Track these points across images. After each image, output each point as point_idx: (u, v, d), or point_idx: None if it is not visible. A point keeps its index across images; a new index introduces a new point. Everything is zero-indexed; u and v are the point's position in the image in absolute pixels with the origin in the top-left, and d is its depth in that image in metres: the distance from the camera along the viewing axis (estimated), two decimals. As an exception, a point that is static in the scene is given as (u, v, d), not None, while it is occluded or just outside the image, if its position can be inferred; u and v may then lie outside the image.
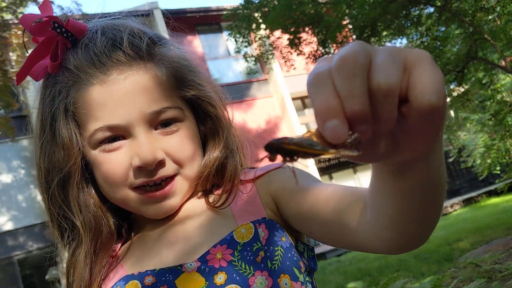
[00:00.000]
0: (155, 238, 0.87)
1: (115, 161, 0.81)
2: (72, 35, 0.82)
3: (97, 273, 0.84)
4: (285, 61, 11.24)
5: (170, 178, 0.83)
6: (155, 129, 0.82)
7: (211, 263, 0.77)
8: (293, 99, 17.00)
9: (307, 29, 10.05)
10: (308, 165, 15.55)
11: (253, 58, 11.74)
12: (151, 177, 0.81)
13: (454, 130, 13.67)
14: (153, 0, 15.96)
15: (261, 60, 12.52)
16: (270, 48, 11.47)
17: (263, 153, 0.44)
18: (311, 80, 0.42)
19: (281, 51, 11.19)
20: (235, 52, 11.70)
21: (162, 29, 15.14)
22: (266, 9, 9.77)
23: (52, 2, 9.41)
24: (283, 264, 0.79)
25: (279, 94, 16.74)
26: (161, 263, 0.81)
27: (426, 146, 0.47)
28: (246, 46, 11.22)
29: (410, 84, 0.40)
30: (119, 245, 0.90)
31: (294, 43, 10.34)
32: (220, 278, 0.76)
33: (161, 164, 0.81)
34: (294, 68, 11.38)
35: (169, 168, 0.82)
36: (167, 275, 0.78)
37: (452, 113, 16.84)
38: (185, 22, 16.62)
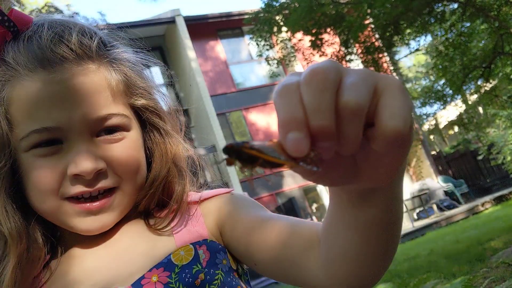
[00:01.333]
0: (85, 260, 0.78)
1: (48, 167, 0.71)
2: (14, 25, 0.74)
3: None
4: (308, 63, 11.20)
5: (109, 191, 0.75)
6: (97, 136, 0.75)
7: (146, 287, 0.70)
8: (317, 100, 16.92)
9: (328, 30, 10.01)
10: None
11: (275, 61, 11.74)
12: (88, 188, 0.72)
13: (483, 127, 13.37)
14: (175, 7, 16.10)
15: (284, 62, 12.52)
16: (292, 51, 11.45)
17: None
18: (278, 90, 0.40)
19: (303, 53, 11.16)
20: (257, 55, 11.73)
21: (184, 36, 15.30)
22: (287, 12, 9.77)
23: (77, 13, 9.63)
24: (222, 287, 0.74)
25: (303, 96, 16.67)
26: (91, 286, 0.73)
27: (387, 176, 0.46)
28: (268, 50, 11.23)
29: (378, 108, 0.39)
30: (41, 266, 0.77)
31: (316, 45, 10.30)
32: None
33: (100, 174, 0.73)
34: (317, 70, 11.31)
35: (109, 179, 0.74)
36: None
37: (480, 109, 16.48)
38: (207, 28, 16.77)
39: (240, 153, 0.40)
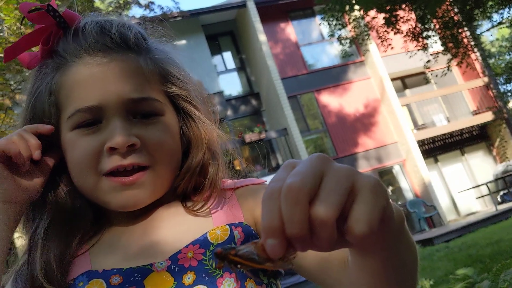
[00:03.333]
0: (125, 235, 0.84)
1: (88, 145, 0.79)
2: (64, 21, 0.84)
3: (63, 250, 0.80)
4: (382, 41, 10.87)
5: (142, 169, 0.80)
6: (134, 118, 0.81)
7: (181, 262, 0.76)
8: (392, 79, 16.42)
9: (404, 6, 9.62)
10: (411, 149, 14.91)
11: (348, 41, 11.49)
12: (122, 162, 0.78)
13: None
14: (245, -9, 16.19)
15: (357, 42, 12.23)
16: (366, 29, 11.15)
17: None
18: (265, 194, 0.45)
19: (377, 31, 10.84)
20: (329, 36, 11.54)
21: (255, 19, 15.35)
22: (360, -11, 9.50)
23: (153, 3, 9.97)
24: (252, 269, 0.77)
25: (377, 75, 16.26)
26: (130, 261, 0.78)
27: (371, 248, 0.51)
28: (340, 29, 11.01)
29: (350, 210, 0.43)
30: (84, 238, 0.84)
31: (391, 22, 9.95)
32: (188, 278, 0.75)
33: (133, 149, 0.78)
34: (392, 48, 10.96)
35: (142, 157, 0.79)
36: (136, 274, 0.76)
37: None
38: (278, 9, 16.71)
39: (226, 259, 0.48)
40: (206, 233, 0.79)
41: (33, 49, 0.89)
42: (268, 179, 0.87)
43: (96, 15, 0.89)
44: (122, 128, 0.78)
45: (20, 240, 0.89)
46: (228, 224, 0.81)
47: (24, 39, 0.86)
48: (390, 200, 0.46)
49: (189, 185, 0.87)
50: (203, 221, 0.83)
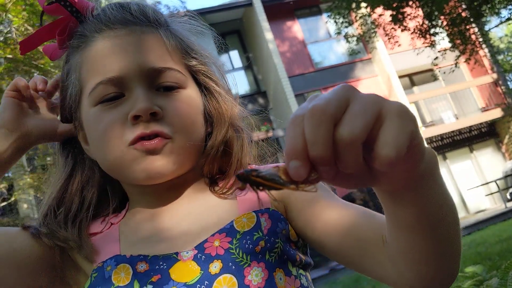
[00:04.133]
0: (151, 219, 0.84)
1: (113, 117, 0.79)
2: (77, 11, 0.85)
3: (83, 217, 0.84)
4: (389, 38, 10.82)
5: (165, 138, 0.79)
6: (156, 91, 0.81)
7: (208, 251, 0.75)
8: (400, 77, 16.34)
9: (411, 3, 9.58)
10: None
11: (355, 38, 11.45)
12: (144, 130, 0.77)
13: None
14: (252, -11, 16.19)
15: (364, 39, 12.19)
16: (373, 26, 11.11)
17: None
18: (290, 120, 0.45)
19: (384, 28, 10.80)
20: (336, 33, 11.51)
21: (262, 18, 15.34)
22: (366, -14, 9.47)
23: (159, 2, 10.00)
24: (280, 257, 0.76)
25: (384, 73, 16.19)
26: (155, 248, 0.78)
27: (400, 183, 0.50)
28: (346, 27, 10.98)
29: (377, 135, 0.42)
30: (117, 216, 0.88)
31: (398, 19, 9.91)
32: (215, 266, 0.73)
33: (156, 117, 0.78)
34: (399, 45, 10.92)
35: (163, 126, 0.79)
36: (161, 263, 0.75)
37: None
38: (284, 7, 16.68)
39: (248, 180, 0.48)
40: (232, 221, 0.78)
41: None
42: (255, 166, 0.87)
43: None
44: (145, 96, 0.78)
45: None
46: (254, 211, 0.79)
47: (39, 32, 0.87)
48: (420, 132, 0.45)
49: (214, 165, 0.86)
50: (229, 206, 0.82)
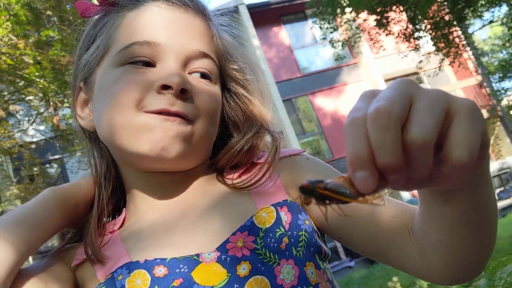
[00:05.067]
0: (160, 218, 0.77)
1: (137, 79, 0.73)
2: None
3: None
4: (374, 43, 10.90)
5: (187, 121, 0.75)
6: (189, 73, 0.78)
7: (232, 252, 0.68)
8: (386, 80, 16.45)
9: (394, 7, 9.66)
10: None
11: (340, 43, 11.52)
12: (169, 106, 0.72)
13: None
14: (237, -4, 16.23)
15: (349, 44, 12.27)
16: (357, 31, 11.19)
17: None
18: (347, 123, 0.41)
19: (368, 32, 10.87)
20: (321, 39, 11.57)
21: (248, 24, 15.38)
22: (350, -8, 9.53)
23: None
24: (308, 250, 0.72)
25: (370, 77, 16.30)
26: (172, 251, 0.71)
27: (462, 182, 0.47)
28: (332, 32, 11.04)
29: (447, 135, 0.39)
30: (115, 221, 0.81)
31: (382, 23, 9.99)
32: (243, 268, 0.67)
33: (184, 95, 0.73)
34: (384, 49, 11.01)
35: (188, 109, 0.74)
36: (182, 266, 0.68)
37: None
38: (270, 14, 16.74)
39: (314, 193, 0.43)
40: (252, 217, 0.72)
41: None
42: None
43: None
44: (178, 71, 0.74)
45: None
46: (272, 205, 0.74)
47: None
48: None
49: (233, 160, 0.81)
50: (245, 200, 0.76)
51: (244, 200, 0.76)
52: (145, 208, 0.80)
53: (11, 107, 9.35)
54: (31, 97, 8.98)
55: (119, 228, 0.80)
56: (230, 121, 0.87)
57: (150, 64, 0.75)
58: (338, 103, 16.15)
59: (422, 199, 0.58)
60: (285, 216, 0.73)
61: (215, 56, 0.82)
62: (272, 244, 0.70)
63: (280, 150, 0.82)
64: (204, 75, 0.79)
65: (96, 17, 0.84)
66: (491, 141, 16.72)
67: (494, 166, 15.65)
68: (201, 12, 0.82)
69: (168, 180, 0.79)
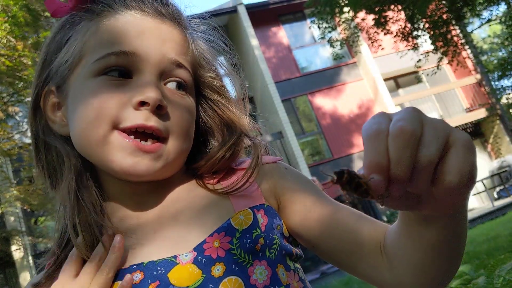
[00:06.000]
0: (139, 226, 0.77)
1: (113, 94, 0.72)
2: None
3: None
4: (372, 42, 10.91)
5: (158, 140, 0.74)
6: (165, 84, 0.78)
7: (208, 253, 0.70)
8: (385, 79, 16.47)
9: (392, 6, 9.67)
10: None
11: (339, 43, 11.53)
12: (145, 122, 0.72)
13: None
14: (236, -4, 16.23)
15: (348, 43, 12.28)
16: (356, 31, 11.19)
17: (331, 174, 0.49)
18: (369, 131, 0.48)
19: (367, 32, 10.88)
20: (320, 38, 11.58)
21: (247, 25, 15.39)
22: (348, -9, 9.53)
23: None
24: (279, 253, 0.75)
25: (369, 76, 16.31)
26: (150, 254, 0.72)
27: (448, 209, 0.54)
28: (330, 31, 11.05)
29: (443, 160, 0.47)
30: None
31: (380, 23, 9.99)
32: (218, 269, 0.69)
33: (160, 112, 0.73)
34: (382, 49, 11.01)
35: (164, 124, 0.74)
36: (159, 268, 0.69)
37: None
38: (269, 14, 16.74)
39: (352, 181, 0.48)
40: (229, 219, 0.74)
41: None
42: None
43: None
44: (156, 85, 0.74)
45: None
46: (250, 208, 0.76)
47: None
48: None
49: (214, 167, 0.82)
50: (223, 204, 0.78)
51: (222, 203, 0.78)
52: (121, 215, 0.79)
53: (10, 109, 9.36)
54: (30, 99, 8.97)
55: None
56: (206, 127, 0.87)
57: (126, 74, 0.75)
58: (337, 103, 16.15)
59: (403, 221, 0.63)
60: (262, 219, 0.76)
61: (190, 65, 0.82)
62: (247, 245, 0.72)
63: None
64: (179, 85, 0.79)
65: (67, 18, 0.81)
66: (491, 140, 16.73)
67: (494, 165, 15.66)
68: (177, 21, 0.82)
69: (144, 188, 0.79)
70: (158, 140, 0.74)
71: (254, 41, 15.41)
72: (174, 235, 0.75)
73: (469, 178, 0.47)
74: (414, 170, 0.46)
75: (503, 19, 10.80)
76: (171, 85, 0.78)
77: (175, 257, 0.70)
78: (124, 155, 0.72)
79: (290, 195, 0.82)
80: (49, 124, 0.82)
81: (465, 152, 0.47)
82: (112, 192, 0.80)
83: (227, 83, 0.91)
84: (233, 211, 0.76)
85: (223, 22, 16.70)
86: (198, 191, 0.81)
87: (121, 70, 0.74)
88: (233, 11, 15.97)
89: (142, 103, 0.72)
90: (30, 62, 7.67)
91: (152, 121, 0.72)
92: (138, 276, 0.69)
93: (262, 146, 0.85)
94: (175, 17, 0.81)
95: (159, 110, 0.73)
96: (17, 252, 12.33)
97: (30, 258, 12.44)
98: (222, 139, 0.85)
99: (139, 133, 0.73)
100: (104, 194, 0.80)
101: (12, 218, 12.35)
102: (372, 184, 0.47)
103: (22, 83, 8.16)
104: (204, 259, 0.70)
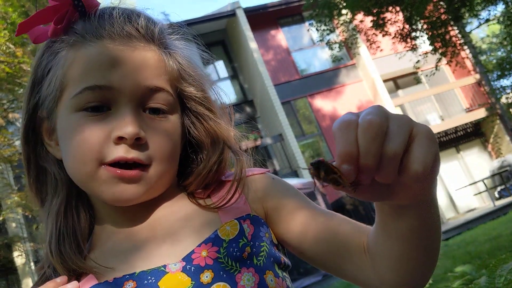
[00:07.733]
0: (128, 235, 0.81)
1: (94, 130, 0.75)
2: (82, 5, 0.79)
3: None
4: (370, 44, 10.93)
5: (142, 167, 0.77)
6: (143, 111, 0.79)
7: (197, 262, 0.74)
8: (384, 81, 16.48)
9: (390, 8, 9.69)
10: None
11: (337, 45, 11.55)
12: (125, 154, 0.75)
13: None
14: (234, 0, 16.26)
15: (346, 45, 12.30)
16: (354, 33, 11.22)
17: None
18: (340, 124, 0.52)
19: (365, 33, 10.90)
20: (319, 40, 11.61)
21: (245, 28, 15.41)
22: (346, -7, 9.56)
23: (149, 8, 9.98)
24: (268, 260, 0.78)
25: (368, 77, 16.32)
26: (141, 265, 0.75)
27: (416, 196, 0.58)
28: (328, 34, 11.07)
29: (408, 151, 0.51)
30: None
31: (379, 24, 10.02)
32: (206, 276, 0.72)
33: (139, 143, 0.76)
34: (381, 50, 11.04)
35: (144, 154, 0.77)
36: (149, 277, 0.73)
37: None
38: (268, 17, 16.77)
39: (328, 169, 0.52)
40: (216, 230, 0.77)
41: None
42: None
43: (120, 4, 0.86)
44: (133, 118, 0.76)
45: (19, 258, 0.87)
46: (236, 219, 0.79)
47: (38, 14, 0.81)
48: None
49: (202, 183, 0.85)
50: (211, 217, 0.81)
51: (210, 216, 0.82)
52: (113, 229, 0.83)
53: (11, 115, 9.37)
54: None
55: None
56: (195, 140, 0.88)
57: (106, 106, 0.77)
58: (337, 104, 16.17)
59: (379, 215, 0.67)
60: (248, 228, 0.79)
61: (170, 83, 0.82)
62: (234, 253, 0.75)
63: (246, 170, 0.86)
64: (160, 110, 0.80)
65: (47, 43, 0.83)
66: (491, 140, 16.73)
67: (494, 164, 15.66)
68: (151, 41, 0.81)
69: (135, 205, 0.81)
70: (140, 167, 0.77)
71: (253, 44, 15.44)
72: (163, 246, 0.78)
73: (433, 166, 0.52)
74: (382, 161, 0.50)
75: (501, 19, 10.82)
76: (151, 111, 0.80)
77: (164, 266, 0.74)
78: (109, 186, 0.76)
79: (277, 203, 0.85)
80: (46, 147, 0.85)
81: (427, 142, 0.51)
82: (103, 211, 0.84)
83: (213, 94, 0.91)
84: (220, 222, 0.80)
85: (222, 26, 16.73)
86: (188, 205, 0.85)
87: (98, 105, 0.76)
88: (231, 14, 16.00)
89: (121, 138, 0.75)
90: (29, 69, 7.68)
91: (132, 153, 0.75)
92: (130, 285, 0.73)
93: (245, 158, 0.87)
94: (148, 37, 0.81)
95: (138, 141, 0.76)
96: (19, 258, 12.33)
97: (32, 264, 12.42)
98: (207, 153, 0.86)
99: (126, 164, 0.76)
100: (95, 212, 0.85)
101: (13, 225, 12.34)
102: (343, 173, 0.51)
103: (22, 89, 8.18)
104: (192, 268, 0.73)
